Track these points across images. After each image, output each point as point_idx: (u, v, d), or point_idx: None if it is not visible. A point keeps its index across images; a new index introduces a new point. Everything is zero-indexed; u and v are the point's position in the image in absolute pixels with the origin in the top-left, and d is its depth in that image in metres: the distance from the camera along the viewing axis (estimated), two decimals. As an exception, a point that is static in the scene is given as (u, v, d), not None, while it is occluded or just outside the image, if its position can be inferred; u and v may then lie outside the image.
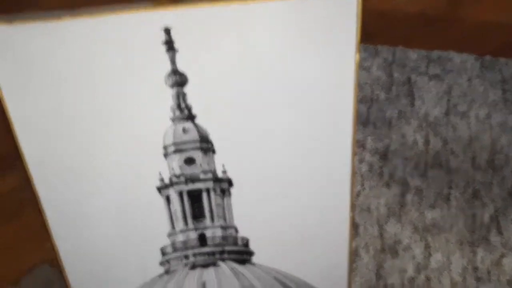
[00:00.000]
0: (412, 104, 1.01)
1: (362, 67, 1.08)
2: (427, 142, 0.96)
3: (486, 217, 0.85)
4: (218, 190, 0.65)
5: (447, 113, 1.00)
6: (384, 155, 0.94)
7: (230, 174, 0.63)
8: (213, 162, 0.63)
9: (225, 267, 0.71)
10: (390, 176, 0.91)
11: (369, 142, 0.96)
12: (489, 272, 0.79)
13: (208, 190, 0.66)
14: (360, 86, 1.05)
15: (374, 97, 1.03)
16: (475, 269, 0.80)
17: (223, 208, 0.67)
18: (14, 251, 0.87)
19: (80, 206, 0.65)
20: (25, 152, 0.62)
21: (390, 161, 0.93)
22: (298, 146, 0.62)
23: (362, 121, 0.99)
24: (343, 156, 0.63)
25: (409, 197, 0.88)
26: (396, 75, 1.07)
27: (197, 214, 0.68)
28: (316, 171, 0.64)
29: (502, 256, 0.81)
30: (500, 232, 0.83)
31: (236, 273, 0.71)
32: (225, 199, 0.66)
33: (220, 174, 0.64)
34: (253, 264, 0.71)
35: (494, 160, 0.93)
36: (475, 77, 1.06)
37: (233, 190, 0.65)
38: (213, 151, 0.62)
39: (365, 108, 1.01)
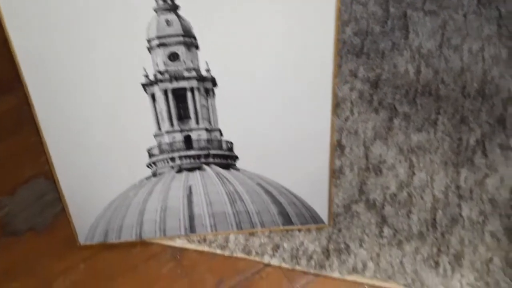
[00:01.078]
0: (406, 37, 1.01)
1: (359, 2, 1.08)
2: (418, 72, 0.96)
3: (472, 141, 0.86)
4: (202, 90, 0.67)
5: (440, 46, 1.00)
6: (375, 84, 0.95)
7: (214, 74, 0.65)
8: (197, 60, 0.65)
9: (211, 171, 0.73)
10: (379, 102, 0.92)
11: (361, 72, 0.96)
12: (471, 191, 0.80)
13: (192, 90, 0.67)
14: (356, 20, 1.05)
15: (369, 30, 1.03)
16: (458, 187, 0.81)
17: (208, 110, 0.68)
18: (12, 164, 0.90)
19: (73, 114, 0.68)
20: (24, 75, 0.64)
21: (381, 89, 0.94)
22: (282, 51, 0.64)
23: (356, 52, 1.00)
24: (326, 65, 0.64)
25: (396, 121, 0.89)
26: (392, 10, 1.06)
27: (182, 115, 0.70)
28: (299, 77, 0.66)
29: (486, 176, 0.82)
30: (485, 155, 0.84)
31: (220, 178, 0.73)
32: (209, 100, 0.68)
33: (204, 73, 0.65)
34: (237, 170, 0.73)
35: (484, 89, 0.93)
36: (471, 13, 1.05)
37: (217, 92, 0.66)
38: (197, 47, 0.63)
39: (359, 40, 1.01)
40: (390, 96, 0.93)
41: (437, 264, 0.73)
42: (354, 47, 1.00)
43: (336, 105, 0.91)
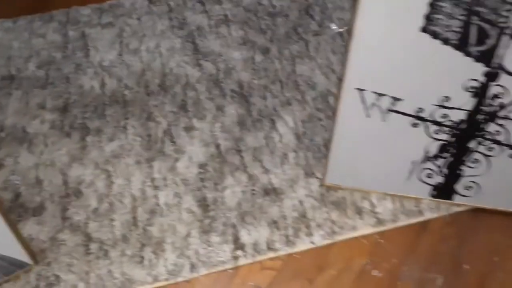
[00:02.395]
0: (87, 55, 1.05)
1: (36, 34, 1.09)
2: (103, 85, 1.00)
3: (160, 133, 0.92)
4: None
5: (120, 54, 1.05)
6: (64, 109, 0.96)
7: None
8: None
9: None
10: (71, 126, 0.94)
11: (49, 102, 0.97)
12: (165, 179, 0.86)
13: None
14: (37, 53, 1.06)
15: (51, 59, 1.04)
16: (153, 180, 0.86)
17: None
18: None
19: None
20: None
21: (70, 112, 0.96)
22: None
23: (41, 84, 1.00)
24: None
25: (89, 139, 0.92)
26: (71, 33, 1.09)
27: None
28: None
29: (176, 160, 0.89)
30: (173, 142, 0.91)
31: None
32: None
33: None
34: None
35: (165, 82, 1.00)
36: (145, 14, 1.12)
37: None
38: None
39: (43, 72, 1.02)
40: (80, 117, 0.95)
41: (142, 258, 0.77)
42: (39, 79, 1.01)
43: (29, 142, 0.91)
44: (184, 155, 0.89)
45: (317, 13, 1.12)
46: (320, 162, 0.88)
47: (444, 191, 0.81)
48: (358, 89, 0.72)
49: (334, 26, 1.09)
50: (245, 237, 0.79)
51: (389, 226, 0.82)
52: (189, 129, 0.93)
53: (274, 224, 0.81)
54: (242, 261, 0.77)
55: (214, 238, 0.79)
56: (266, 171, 0.88)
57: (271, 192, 0.85)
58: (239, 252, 0.78)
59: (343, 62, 0.70)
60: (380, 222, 0.82)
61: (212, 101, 0.97)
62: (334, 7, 1.12)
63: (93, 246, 0.78)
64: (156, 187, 0.85)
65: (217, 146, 0.91)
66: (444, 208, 0.83)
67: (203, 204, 0.83)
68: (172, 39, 1.07)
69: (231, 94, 0.98)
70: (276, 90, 0.99)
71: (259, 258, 0.78)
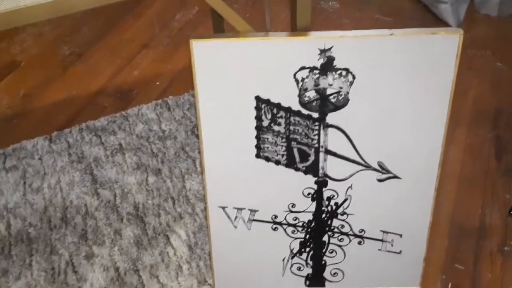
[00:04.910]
0: (-8, 200, 1.14)
1: None
2: (9, 226, 1.09)
3: (63, 264, 1.01)
4: None
5: (24, 194, 1.15)
6: (-28, 255, 1.04)
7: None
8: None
9: None
10: (-22, 271, 1.01)
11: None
12: (69, 308, 0.95)
13: None
14: None
15: (-42, 208, 1.13)
16: (58, 311, 0.94)
17: None
18: None
19: None
20: None
21: (-22, 257, 1.03)
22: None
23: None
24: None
25: (-4, 281, 0.99)
26: (-24, 180, 1.19)
27: None
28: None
29: (79, 289, 0.98)
30: (75, 271, 1.00)
31: None
32: None
33: None
34: None
35: (66, 215, 1.10)
36: (45, 153, 1.24)
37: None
38: None
39: (-50, 222, 1.10)
40: (-13, 260, 1.03)
41: None
42: None
43: None
44: (86, 282, 0.98)
45: (200, 133, 1.28)
46: (211, 269, 0.99)
47: (315, 280, 0.94)
48: (221, 206, 0.86)
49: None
50: None
51: (276, 318, 0.93)
52: (89, 256, 1.02)
53: (173, 333, 0.90)
54: None
55: None
56: (163, 286, 0.97)
57: (169, 303, 0.94)
58: None
59: (203, 188, 0.84)
60: (267, 315, 0.93)
61: (110, 226, 1.07)
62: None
63: None
64: (61, 318, 0.93)
65: (117, 269, 1.00)
66: (320, 294, 0.96)
67: (106, 326, 0.91)
68: (71, 173, 1.18)
69: (127, 217, 1.10)
70: (168, 207, 1.11)
71: None
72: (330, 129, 0.79)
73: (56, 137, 1.27)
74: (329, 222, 0.88)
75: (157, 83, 1.48)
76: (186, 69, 1.54)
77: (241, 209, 0.86)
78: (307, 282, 0.94)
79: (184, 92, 1.42)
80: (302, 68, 0.75)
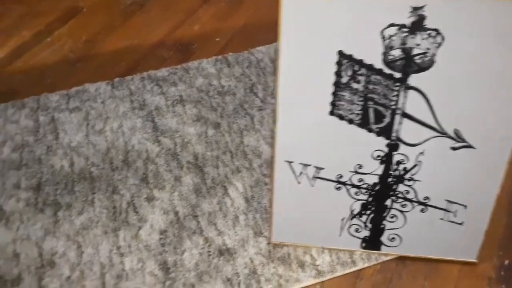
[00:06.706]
0: (57, 138, 1.17)
1: (10, 120, 1.21)
2: (72, 164, 1.12)
3: (124, 204, 1.04)
4: None
5: (86, 135, 1.18)
6: (37, 188, 1.07)
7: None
8: None
9: None
10: (44, 203, 1.05)
11: (23, 182, 1.08)
12: (129, 246, 0.97)
13: None
14: (10, 137, 1.17)
15: (25, 142, 1.16)
16: (119, 248, 0.97)
17: None
18: None
19: None
20: None
21: (43, 190, 1.07)
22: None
23: (16, 166, 1.11)
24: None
25: (61, 213, 1.03)
26: (42, 118, 1.22)
27: None
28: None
29: (139, 229, 1.00)
30: (136, 212, 1.03)
31: None
32: None
33: None
34: None
35: (128, 158, 1.13)
36: (108, 98, 1.26)
37: None
38: None
39: (17, 155, 1.14)
40: (52, 194, 1.06)
41: (110, 319, 0.87)
42: (13, 162, 1.12)
43: (6, 219, 1.01)
44: (147, 223, 1.01)
45: (260, 91, 1.28)
46: (267, 222, 1.01)
47: (372, 243, 0.95)
48: (287, 161, 0.87)
49: (275, 102, 1.25)
50: (202, 294, 0.90)
51: (328, 276, 0.94)
52: (150, 199, 1.05)
53: (228, 281, 0.92)
54: (199, 316, 0.88)
55: (174, 297, 0.90)
56: (220, 233, 1.00)
57: (225, 252, 0.97)
58: (196, 308, 0.88)
59: (272, 139, 0.85)
60: (320, 273, 0.94)
61: (170, 173, 1.10)
62: (275, 85, 1.29)
63: (66, 311, 0.88)
64: (121, 254, 0.96)
65: (176, 213, 1.03)
66: (374, 258, 0.96)
67: (164, 267, 0.94)
68: (133, 119, 1.20)
69: (187, 165, 1.11)
70: (227, 160, 1.13)
71: (214, 312, 0.89)
72: (410, 91, 0.78)
73: (118, 83, 1.30)
74: (394, 186, 0.87)
75: (217, 39, 1.49)
76: (246, 27, 1.53)
77: (307, 165, 0.87)
78: (363, 245, 0.95)
79: (244, 50, 1.42)
80: (391, 25, 0.74)
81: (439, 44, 0.74)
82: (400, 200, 0.89)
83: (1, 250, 0.97)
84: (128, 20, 1.57)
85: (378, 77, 0.77)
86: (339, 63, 0.77)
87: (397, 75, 0.77)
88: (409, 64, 0.76)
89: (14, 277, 0.93)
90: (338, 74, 0.78)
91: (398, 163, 0.85)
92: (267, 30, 1.51)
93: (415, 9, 0.72)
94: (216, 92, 1.28)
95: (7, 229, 1.00)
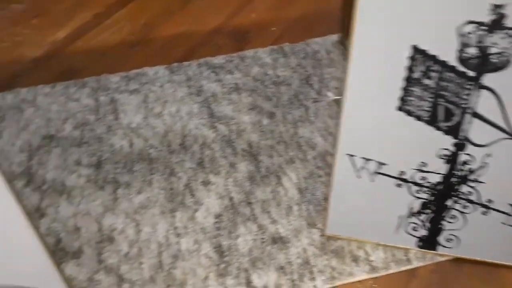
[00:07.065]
0: (117, 118, 1.20)
1: (72, 99, 1.25)
2: (131, 144, 1.15)
3: (181, 187, 1.06)
4: None
5: (145, 117, 1.20)
6: (98, 165, 1.11)
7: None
8: None
9: None
10: (104, 180, 1.08)
11: (85, 159, 1.12)
12: (186, 227, 1.00)
13: None
14: (73, 115, 1.21)
15: (86, 121, 1.20)
16: (175, 228, 1.00)
17: None
18: None
19: None
20: None
21: (103, 168, 1.10)
22: None
23: (77, 143, 1.15)
24: None
25: (120, 191, 1.06)
26: (102, 98, 1.25)
27: None
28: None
29: (195, 211, 1.02)
30: (192, 195, 1.05)
31: None
32: None
33: None
34: None
35: (185, 142, 1.15)
36: (166, 82, 1.28)
37: None
38: None
39: (79, 132, 1.17)
40: (112, 172, 1.09)
41: (167, 297, 0.90)
42: (75, 139, 1.16)
43: (68, 194, 1.05)
44: (202, 206, 1.03)
45: (316, 83, 1.28)
46: (320, 214, 1.01)
47: (428, 242, 0.94)
48: (349, 154, 0.87)
49: (330, 94, 1.25)
50: (256, 280, 0.92)
51: (382, 273, 0.94)
52: (206, 183, 1.07)
53: (281, 269, 0.93)
54: (252, 301, 0.89)
55: (229, 281, 0.91)
56: (274, 221, 1.01)
57: (278, 240, 0.98)
58: (250, 293, 0.90)
59: (336, 131, 0.85)
60: (373, 269, 0.94)
61: (225, 159, 1.11)
62: (331, 78, 1.29)
63: (125, 286, 0.91)
64: (178, 235, 0.98)
65: (231, 198, 1.04)
66: (429, 258, 0.95)
67: (219, 250, 0.96)
68: (190, 105, 1.22)
69: (242, 153, 1.13)
70: (281, 150, 1.13)
71: (267, 298, 0.90)
72: (483, 91, 0.77)
73: (176, 68, 1.32)
74: (457, 187, 0.86)
75: (273, 28, 1.49)
76: (303, 18, 1.53)
77: (369, 160, 0.87)
78: (420, 244, 0.94)
79: (300, 41, 1.42)
80: (469, 22, 0.72)
81: (518, 44, 0.72)
82: (461, 201, 0.88)
83: (64, 223, 1.00)
84: (186, 6, 1.59)
85: (451, 74, 0.76)
86: (412, 58, 0.76)
87: (471, 73, 0.76)
88: (485, 63, 0.74)
89: (75, 249, 0.96)
90: (410, 69, 0.77)
91: (464, 163, 0.83)
92: (323, 22, 1.50)
93: (496, 7, 0.71)
94: (271, 81, 1.29)
95: (69, 203, 1.04)
